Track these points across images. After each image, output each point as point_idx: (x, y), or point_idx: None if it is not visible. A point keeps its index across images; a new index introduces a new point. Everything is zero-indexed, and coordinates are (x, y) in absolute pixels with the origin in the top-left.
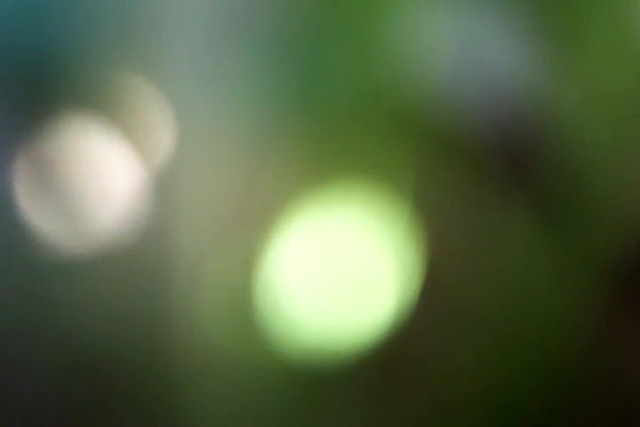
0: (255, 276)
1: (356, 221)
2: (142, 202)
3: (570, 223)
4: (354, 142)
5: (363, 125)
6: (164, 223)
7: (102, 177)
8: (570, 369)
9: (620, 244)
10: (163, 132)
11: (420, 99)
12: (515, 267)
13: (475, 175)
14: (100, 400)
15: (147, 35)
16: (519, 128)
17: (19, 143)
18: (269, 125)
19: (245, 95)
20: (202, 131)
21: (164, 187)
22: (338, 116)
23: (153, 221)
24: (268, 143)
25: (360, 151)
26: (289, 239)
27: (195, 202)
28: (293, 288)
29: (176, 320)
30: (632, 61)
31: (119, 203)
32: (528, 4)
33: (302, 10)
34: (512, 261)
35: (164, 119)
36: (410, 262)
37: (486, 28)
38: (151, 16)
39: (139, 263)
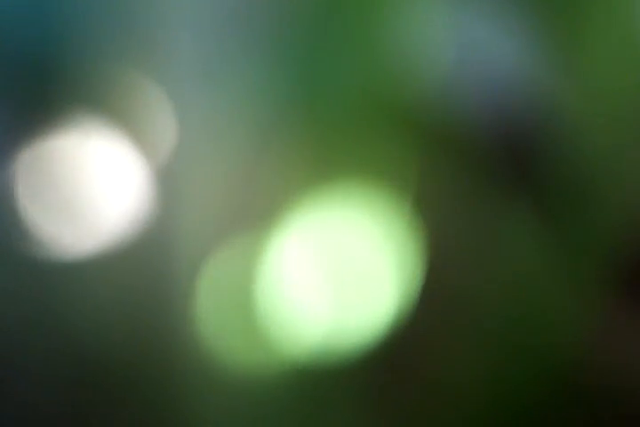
0: (257, 275)
1: (357, 219)
2: (144, 200)
3: (572, 222)
4: (355, 141)
5: (363, 124)
6: (165, 221)
7: (104, 175)
8: (571, 368)
9: (622, 242)
10: (164, 130)
11: (422, 98)
12: (516, 266)
13: (476, 174)
14: (100, 400)
15: (148, 33)
16: (520, 127)
17: (20, 141)
18: (271, 124)
19: (246, 93)
20: (203, 129)
21: (165, 185)
22: (339, 114)
23: (154, 219)
24: (270, 141)
25: (361, 150)
26: (290, 238)
27: (196, 200)
28: (295, 287)
29: (178, 319)
30: (633, 60)
31: (121, 201)
32: (529, 2)
33: (303, 8)
34: (514, 259)
35: (165, 117)
36: (411, 261)
37: (487, 26)
38: (153, 14)
39: (140, 262)
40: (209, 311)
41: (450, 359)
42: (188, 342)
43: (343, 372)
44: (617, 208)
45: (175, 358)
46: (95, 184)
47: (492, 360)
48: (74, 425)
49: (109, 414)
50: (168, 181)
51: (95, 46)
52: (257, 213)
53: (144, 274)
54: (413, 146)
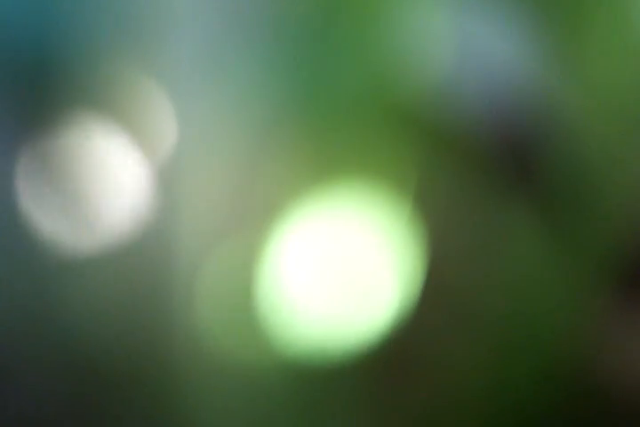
0: (257, 274)
1: (357, 219)
2: (144, 200)
3: (572, 222)
4: (355, 141)
5: (364, 124)
6: (165, 221)
7: (104, 174)
8: (571, 367)
9: (623, 243)
10: (164, 129)
11: (422, 97)
12: (517, 266)
13: (477, 174)
14: (100, 400)
15: (149, 33)
16: (521, 126)
17: (21, 141)
18: (270, 123)
19: (246, 93)
20: (203, 129)
21: (165, 184)
22: (339, 114)
23: (155, 219)
24: (269, 141)
25: (361, 150)
26: (290, 238)
27: (196, 200)
28: (294, 287)
29: (177, 318)
30: (633, 59)
31: (121, 200)
32: (529, 2)
33: (303, 8)
34: (514, 260)
35: (165, 117)
36: (411, 261)
37: (488, 25)
38: (153, 14)
39: (140, 261)
40: (209, 311)
41: (450, 359)
42: (187, 340)
43: (343, 372)
44: (617, 207)
45: (175, 357)
46: (95, 183)
47: (493, 360)
48: (73, 424)
49: (109, 413)
50: (168, 181)
51: (95, 46)
52: (257, 213)
53: (144, 273)
54: (413, 145)
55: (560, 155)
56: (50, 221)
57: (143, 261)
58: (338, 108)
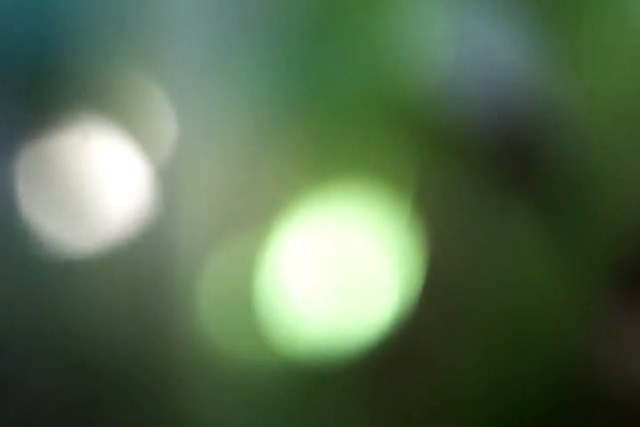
0: (257, 274)
1: (357, 219)
2: (144, 200)
3: (572, 222)
4: (355, 141)
5: (364, 124)
6: (166, 221)
7: (105, 175)
8: (571, 368)
9: (622, 242)
10: (165, 129)
11: (422, 97)
12: (516, 266)
13: (476, 174)
14: (100, 400)
15: (149, 33)
16: (521, 126)
17: (21, 140)
18: (271, 123)
19: (247, 93)
20: (204, 129)
21: (165, 184)
22: (339, 114)
23: (155, 219)
24: (270, 141)
25: (361, 150)
26: (290, 238)
27: (197, 200)
28: (295, 287)
29: (178, 319)
30: (634, 58)
31: (121, 201)
32: (530, 2)
33: (304, 8)
34: (513, 259)
35: (165, 117)
36: (411, 261)
37: (488, 25)
38: (153, 14)
39: (140, 261)
40: (209, 311)
41: (450, 359)
42: (188, 341)
43: (343, 371)
44: (617, 207)
45: (175, 358)
46: (96, 183)
47: (492, 359)
48: (74, 423)
49: (109, 413)
50: (168, 181)
51: (96, 46)
52: (257, 213)
53: (144, 273)
54: (414, 145)
55: (560, 155)
56: (50, 220)
57: (144, 261)
58: (338, 108)
